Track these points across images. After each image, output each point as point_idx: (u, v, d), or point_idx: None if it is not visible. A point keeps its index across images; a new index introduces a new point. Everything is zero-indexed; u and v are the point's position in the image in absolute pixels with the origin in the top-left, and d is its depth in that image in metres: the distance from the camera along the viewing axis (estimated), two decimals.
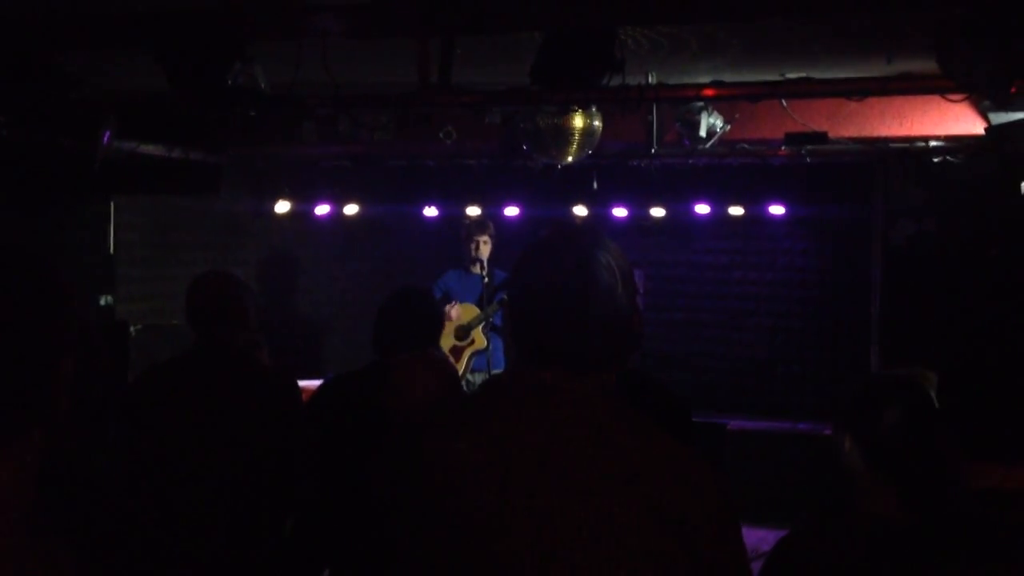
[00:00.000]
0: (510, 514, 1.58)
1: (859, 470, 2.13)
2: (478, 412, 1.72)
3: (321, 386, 3.64)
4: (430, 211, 7.43)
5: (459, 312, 6.57)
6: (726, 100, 4.67)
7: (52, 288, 1.23)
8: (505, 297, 6.38)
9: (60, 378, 1.22)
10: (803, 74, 4.72)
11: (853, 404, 2.17)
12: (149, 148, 5.50)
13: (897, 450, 2.09)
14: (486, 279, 6.48)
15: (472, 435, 1.66)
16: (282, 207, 7.29)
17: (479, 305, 6.56)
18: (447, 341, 6.54)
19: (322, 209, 7.44)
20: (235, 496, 3.26)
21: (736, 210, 6.88)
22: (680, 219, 7.10)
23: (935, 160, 6.10)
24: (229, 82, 3.57)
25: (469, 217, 6.89)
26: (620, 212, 7.02)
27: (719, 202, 6.86)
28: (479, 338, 6.60)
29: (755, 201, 6.82)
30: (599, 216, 7.00)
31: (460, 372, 6.51)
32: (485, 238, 6.57)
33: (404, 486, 1.74)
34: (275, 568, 3.36)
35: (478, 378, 6.61)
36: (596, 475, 1.57)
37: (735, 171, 6.61)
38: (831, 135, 5.43)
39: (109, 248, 6.47)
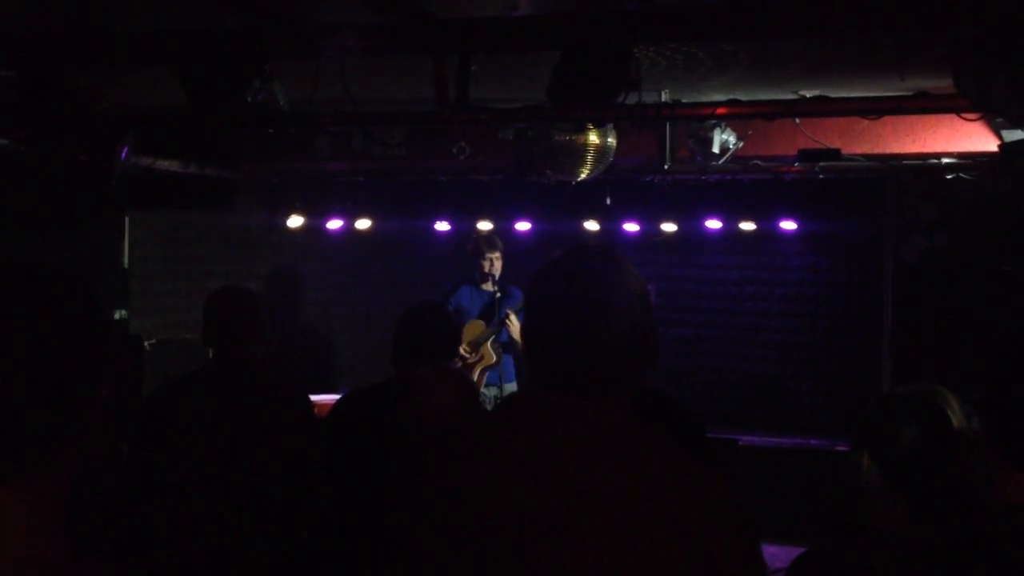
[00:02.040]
0: (529, 537, 1.57)
1: (876, 488, 2.12)
2: (495, 433, 1.71)
3: (339, 401, 3.66)
4: (442, 226, 7.45)
5: (467, 328, 6.59)
6: (742, 118, 4.69)
7: (93, 308, 1.25)
8: (510, 312, 6.41)
9: (97, 396, 1.24)
10: (816, 91, 4.73)
11: (870, 422, 2.17)
12: (165, 164, 5.53)
13: (914, 468, 2.09)
14: (498, 295, 6.50)
15: (490, 457, 1.66)
16: (295, 222, 7.33)
17: (486, 320, 6.59)
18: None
19: (335, 224, 7.47)
20: (250, 509, 3.28)
21: (748, 226, 6.89)
22: (692, 234, 7.11)
23: (948, 177, 6.11)
24: (248, 100, 3.60)
25: (478, 233, 6.90)
26: (632, 227, 7.03)
27: (731, 218, 6.86)
28: (488, 353, 6.61)
29: (767, 217, 6.83)
30: (611, 232, 7.01)
31: None
32: (496, 255, 6.60)
33: (421, 508, 1.72)
34: None
35: (491, 392, 6.61)
36: (616, 497, 1.57)
37: (747, 187, 6.62)
38: (844, 151, 5.44)
39: (124, 262, 6.51)
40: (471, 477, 1.65)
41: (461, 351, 6.55)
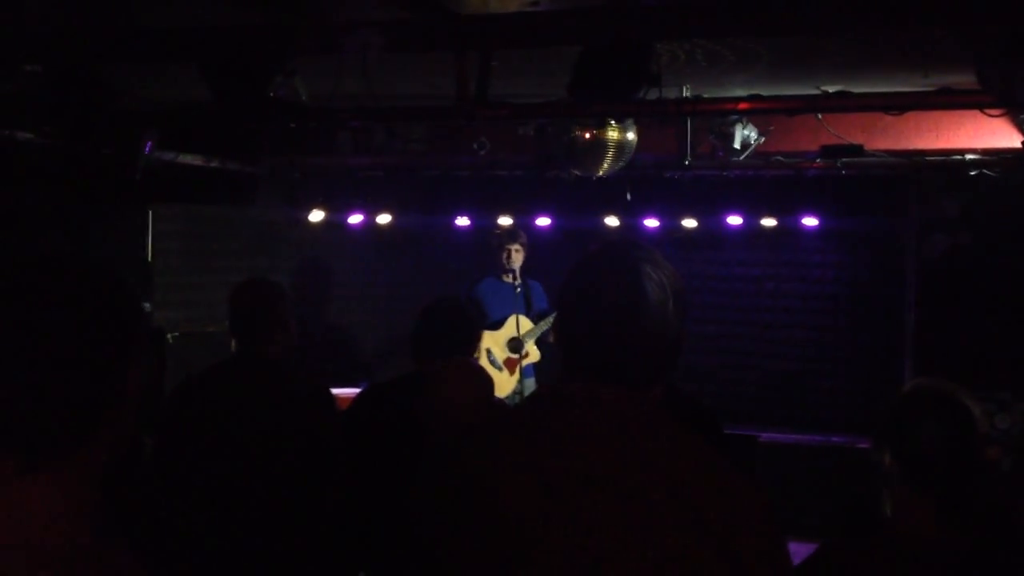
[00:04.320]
0: (553, 528, 1.58)
1: (898, 486, 2.11)
2: (523, 425, 1.72)
3: (359, 394, 3.68)
4: (462, 221, 7.46)
5: (509, 324, 6.56)
6: (764, 113, 4.67)
7: (124, 297, 1.27)
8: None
9: (128, 384, 1.26)
10: (838, 86, 4.71)
11: (892, 418, 2.15)
12: (188, 158, 5.58)
13: (938, 466, 2.07)
14: (519, 289, 6.48)
15: (517, 448, 1.66)
16: (316, 216, 7.36)
17: (531, 318, 6.56)
18: (502, 354, 6.54)
19: (355, 219, 7.50)
20: (272, 500, 3.31)
21: (769, 222, 6.86)
22: (712, 231, 7.09)
23: (971, 173, 6.06)
24: (271, 95, 3.63)
25: (500, 226, 6.85)
26: (652, 223, 7.02)
27: (752, 214, 6.84)
28: (533, 351, 6.59)
29: (788, 213, 6.80)
30: (631, 227, 7.00)
31: (512, 385, 6.51)
32: (517, 246, 6.52)
33: (446, 498, 1.73)
34: (312, 571, 3.41)
35: (530, 385, 6.55)
36: (642, 490, 1.57)
37: (768, 183, 6.60)
38: (866, 147, 5.41)
39: (147, 256, 6.56)
40: (496, 469, 1.65)
41: (507, 350, 6.53)
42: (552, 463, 1.62)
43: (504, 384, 6.41)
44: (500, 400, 5.70)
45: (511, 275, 6.49)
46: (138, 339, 1.28)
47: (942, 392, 2.19)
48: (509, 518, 1.61)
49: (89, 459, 1.23)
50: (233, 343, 3.56)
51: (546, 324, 6.51)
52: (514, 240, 6.53)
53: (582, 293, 1.71)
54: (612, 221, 6.99)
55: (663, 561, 1.54)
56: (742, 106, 4.00)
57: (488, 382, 3.60)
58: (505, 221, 7.11)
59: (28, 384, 1.17)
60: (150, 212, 6.52)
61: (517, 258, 6.50)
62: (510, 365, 6.54)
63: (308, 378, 3.69)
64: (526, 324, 6.53)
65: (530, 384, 6.51)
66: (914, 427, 2.10)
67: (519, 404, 1.83)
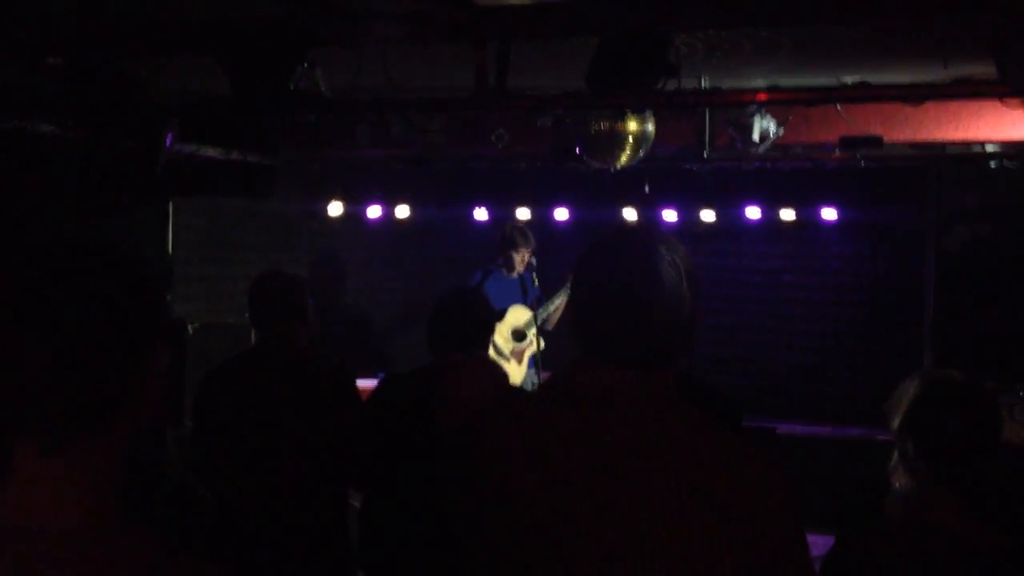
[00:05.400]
0: (570, 516, 1.59)
1: (921, 477, 2.09)
2: (539, 413, 1.72)
3: (377, 386, 3.71)
4: (480, 213, 7.47)
5: (512, 314, 6.58)
6: (784, 104, 4.65)
7: (146, 283, 1.29)
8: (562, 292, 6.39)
9: (151, 368, 1.28)
10: (857, 77, 4.69)
11: (916, 409, 2.12)
12: (208, 151, 5.61)
13: (961, 457, 2.06)
14: (515, 277, 6.50)
15: (533, 437, 1.67)
16: (334, 209, 7.39)
17: (529, 307, 6.58)
18: (507, 344, 6.56)
19: (373, 211, 7.52)
20: (297, 488, 3.36)
21: (787, 214, 6.85)
22: (730, 223, 7.08)
23: (991, 165, 6.03)
24: (291, 87, 3.65)
25: (518, 226, 6.79)
26: (670, 215, 7.02)
27: (770, 206, 6.83)
28: (535, 339, 6.61)
29: (807, 205, 6.79)
30: (649, 220, 7.00)
31: (522, 374, 6.54)
32: (530, 253, 6.54)
33: (465, 484, 1.75)
34: (339, 550, 3.45)
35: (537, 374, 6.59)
36: (659, 472, 1.57)
37: (786, 175, 6.58)
38: (886, 138, 5.39)
39: (168, 248, 6.61)
40: (515, 457, 1.66)
41: (512, 340, 6.55)
42: (568, 451, 1.62)
43: (514, 374, 6.43)
44: (518, 388, 5.72)
45: (515, 272, 6.52)
46: (160, 325, 1.30)
47: (966, 382, 2.17)
48: (526, 507, 1.62)
49: (111, 443, 1.24)
50: (253, 334, 3.60)
51: (546, 310, 6.53)
52: (528, 246, 6.51)
53: (596, 276, 1.71)
54: (630, 213, 6.99)
55: (680, 548, 1.54)
56: (761, 96, 4.00)
57: (503, 378, 3.62)
58: (523, 213, 7.12)
59: (52, 367, 1.18)
60: (170, 204, 6.58)
61: (526, 263, 6.52)
62: (517, 355, 6.56)
63: (330, 366, 3.73)
64: (526, 313, 6.56)
65: (536, 373, 6.55)
66: (940, 417, 2.08)
67: (534, 391, 1.84)
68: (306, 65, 3.66)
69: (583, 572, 1.57)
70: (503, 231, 6.70)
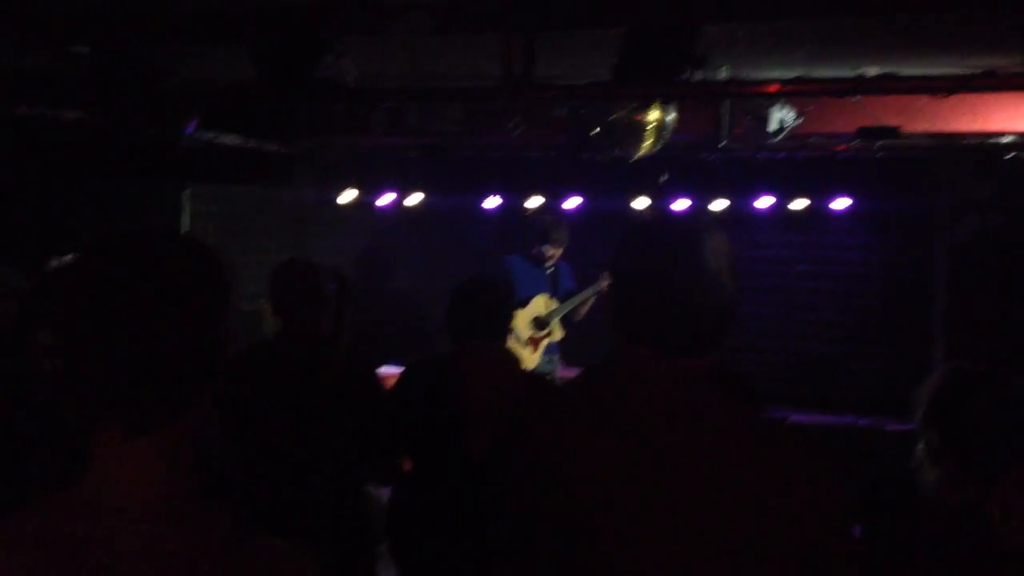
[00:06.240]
0: (616, 500, 1.60)
1: (948, 468, 2.10)
2: (584, 397, 1.73)
3: (400, 374, 3.72)
4: (492, 202, 7.48)
5: (535, 303, 6.60)
6: (810, 96, 4.65)
7: (219, 267, 1.33)
8: (604, 284, 6.42)
9: (224, 350, 1.31)
10: (876, 67, 4.69)
11: (941, 398, 2.14)
12: (227, 138, 5.62)
13: (987, 446, 2.06)
14: (549, 271, 6.52)
15: (581, 425, 1.67)
16: (348, 196, 7.40)
17: (556, 299, 6.60)
18: (525, 331, 6.59)
19: (386, 199, 7.53)
20: (320, 473, 3.38)
21: (800, 204, 6.86)
22: (742, 212, 7.09)
23: (1005, 156, 6.03)
24: (317, 75, 3.66)
25: (553, 220, 6.75)
26: (682, 205, 7.02)
27: (783, 196, 6.84)
28: (556, 330, 6.63)
29: (820, 195, 6.80)
30: (661, 210, 7.00)
31: (535, 362, 6.57)
32: (563, 246, 6.57)
33: (508, 470, 1.76)
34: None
35: (555, 361, 6.60)
36: (702, 459, 1.59)
37: (800, 164, 6.59)
38: (902, 129, 5.39)
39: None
40: (564, 446, 1.67)
41: (531, 328, 6.57)
42: (614, 436, 1.63)
43: (527, 361, 6.47)
44: (541, 376, 5.75)
45: (549, 261, 6.54)
46: (228, 307, 1.33)
47: (990, 371, 2.19)
48: (573, 492, 1.63)
49: (188, 423, 1.28)
50: (271, 322, 3.60)
51: (572, 304, 6.56)
52: (562, 242, 6.54)
53: (640, 262, 1.71)
54: (643, 203, 7.00)
55: (719, 529, 1.54)
56: (787, 88, 3.99)
57: (516, 364, 3.63)
58: (536, 201, 7.13)
59: (141, 352, 1.21)
60: (186, 192, 6.58)
61: (556, 256, 6.56)
62: (533, 343, 6.59)
63: (353, 354, 3.75)
64: (551, 304, 6.58)
65: (552, 361, 6.57)
66: (963, 407, 2.09)
67: (580, 376, 1.84)
68: (335, 55, 3.66)
69: (630, 558, 1.58)
70: (539, 222, 6.70)
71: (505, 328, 3.66)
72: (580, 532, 1.62)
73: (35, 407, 3.98)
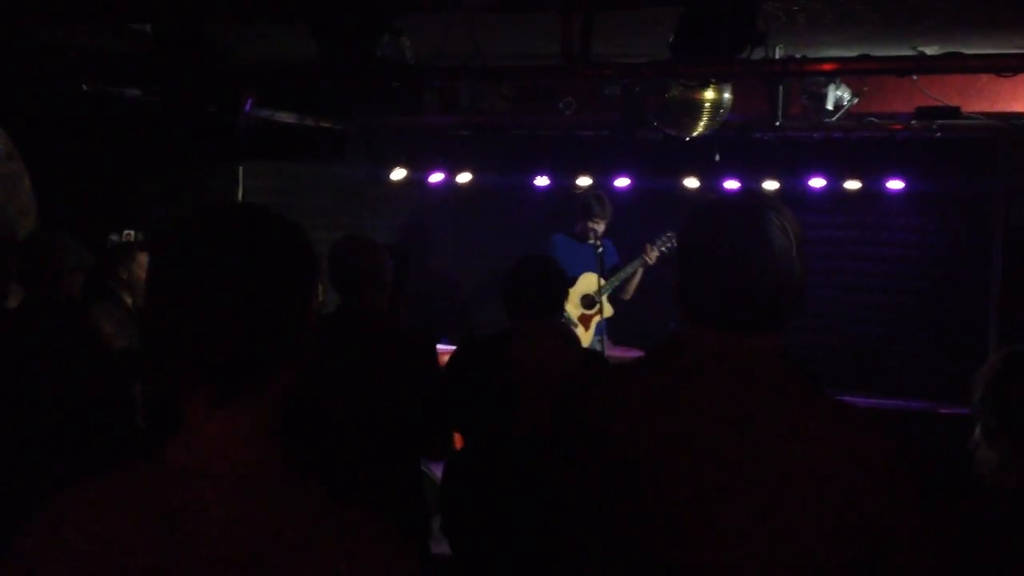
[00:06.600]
0: (680, 480, 1.60)
1: (1005, 451, 2.11)
2: (651, 376, 1.73)
3: (453, 353, 3.74)
4: (541, 181, 7.47)
5: (582, 281, 6.62)
6: (872, 74, 4.59)
7: (307, 242, 1.35)
8: (652, 256, 6.42)
9: (308, 322, 1.34)
10: (935, 45, 4.61)
11: (995, 380, 2.14)
12: (283, 116, 5.67)
13: None
14: (600, 249, 6.52)
15: (645, 402, 1.68)
16: (398, 174, 7.43)
17: (602, 275, 6.61)
18: (575, 310, 6.61)
19: (436, 177, 7.55)
20: (376, 448, 3.42)
21: (852, 184, 6.77)
22: (795, 192, 7.00)
23: None
24: (377, 54, 3.68)
25: (595, 194, 6.76)
26: (733, 185, 6.96)
27: (837, 176, 6.75)
28: (607, 307, 6.64)
29: (875, 176, 6.70)
30: (711, 189, 6.95)
31: (589, 339, 6.59)
32: (606, 222, 6.58)
33: (573, 446, 1.78)
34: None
35: (603, 340, 6.63)
36: (779, 437, 1.58)
37: (855, 144, 6.50)
38: (962, 109, 5.31)
39: None
40: (626, 421, 1.68)
41: (581, 306, 6.60)
42: (680, 418, 1.63)
43: (581, 340, 6.48)
44: (599, 353, 5.75)
45: (591, 236, 6.55)
46: (316, 280, 1.36)
47: None
48: (638, 472, 1.64)
49: (276, 392, 1.30)
50: (322, 299, 3.64)
51: (617, 280, 6.57)
52: (605, 217, 6.56)
53: (706, 241, 1.71)
54: (691, 182, 6.95)
55: (781, 507, 1.54)
56: (850, 66, 3.94)
57: (576, 342, 3.64)
58: (584, 181, 7.11)
59: (238, 320, 1.24)
60: (240, 168, 6.66)
61: (601, 230, 6.57)
62: (584, 321, 6.61)
63: (411, 331, 3.78)
64: (599, 282, 6.59)
65: (601, 340, 6.58)
66: (1020, 390, 2.09)
67: (647, 355, 1.84)
68: (393, 33, 3.68)
69: (689, 539, 1.58)
70: (582, 198, 6.71)
71: (561, 303, 3.67)
72: (653, 508, 1.62)
73: (97, 376, 4.08)
